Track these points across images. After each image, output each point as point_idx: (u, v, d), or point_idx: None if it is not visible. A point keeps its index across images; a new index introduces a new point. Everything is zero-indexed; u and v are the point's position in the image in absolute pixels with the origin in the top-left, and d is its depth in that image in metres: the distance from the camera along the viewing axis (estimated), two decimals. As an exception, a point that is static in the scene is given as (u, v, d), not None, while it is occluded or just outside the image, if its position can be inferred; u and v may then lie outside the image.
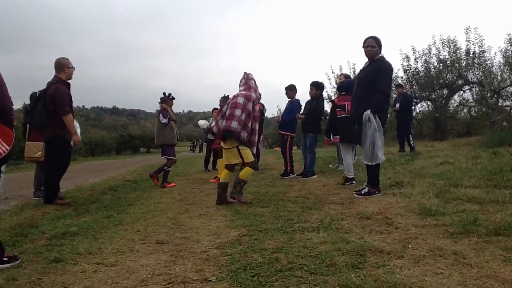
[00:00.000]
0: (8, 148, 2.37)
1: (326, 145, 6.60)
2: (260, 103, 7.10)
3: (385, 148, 4.17)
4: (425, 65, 15.07)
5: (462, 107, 16.08)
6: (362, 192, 4.09)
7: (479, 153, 6.63)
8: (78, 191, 5.86)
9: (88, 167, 12.43)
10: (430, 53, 14.91)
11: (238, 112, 4.12)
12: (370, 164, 4.02)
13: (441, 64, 14.70)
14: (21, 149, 5.48)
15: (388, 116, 5.65)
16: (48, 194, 4.54)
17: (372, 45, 4.03)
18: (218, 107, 7.62)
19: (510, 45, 13.64)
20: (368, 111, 3.90)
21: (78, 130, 4.77)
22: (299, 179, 6.08)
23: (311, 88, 6.31)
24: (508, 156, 5.65)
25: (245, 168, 4.27)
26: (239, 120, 4.09)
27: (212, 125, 7.78)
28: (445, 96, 15.05)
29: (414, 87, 15.46)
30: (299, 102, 6.58)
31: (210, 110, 9.93)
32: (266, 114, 9.02)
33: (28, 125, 4.88)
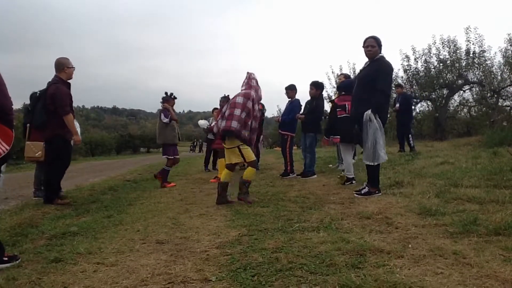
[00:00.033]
0: (8, 148, 2.37)
1: (325, 145, 6.59)
2: (260, 103, 7.10)
3: (385, 148, 4.17)
4: (425, 65, 15.07)
5: (462, 107, 16.08)
6: (362, 192, 4.08)
7: (479, 153, 6.63)
8: (78, 191, 5.86)
9: (88, 167, 12.43)
10: (430, 53, 14.93)
11: (237, 111, 4.12)
12: (372, 164, 4.01)
13: (441, 64, 14.70)
14: (21, 149, 5.48)
15: (388, 116, 5.65)
16: (48, 194, 4.54)
17: (372, 45, 4.03)
18: (218, 107, 7.62)
19: (510, 45, 13.65)
20: (369, 111, 3.90)
21: (78, 130, 4.77)
22: (299, 179, 6.07)
23: (311, 88, 6.31)
24: (508, 156, 5.65)
25: (247, 168, 4.28)
26: (238, 119, 4.09)
27: (212, 124, 7.80)
28: (445, 96, 15.05)
29: (414, 87, 15.46)
30: (299, 102, 6.58)
31: (210, 110, 9.94)
32: (266, 114, 9.03)
33: (28, 125, 4.88)
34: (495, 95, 14.25)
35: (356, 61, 19.81)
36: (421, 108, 16.55)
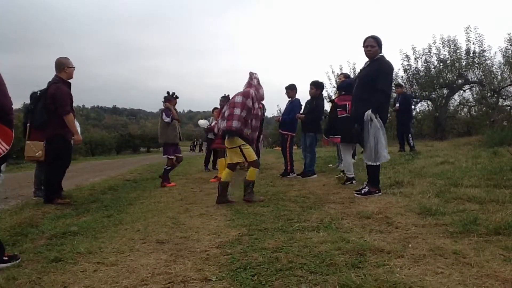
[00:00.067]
0: (7, 147, 2.37)
1: (325, 145, 6.58)
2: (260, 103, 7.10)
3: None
4: (425, 64, 15.08)
5: (462, 106, 16.09)
6: (362, 191, 4.08)
7: (479, 153, 6.63)
8: (78, 190, 5.86)
9: (88, 167, 12.43)
10: (430, 52, 14.93)
11: (237, 111, 4.12)
12: (374, 164, 4.00)
13: (441, 64, 14.70)
14: (21, 148, 5.49)
15: (388, 115, 5.64)
16: (48, 193, 4.55)
17: (372, 45, 4.03)
18: (218, 107, 7.62)
19: (510, 45, 13.66)
20: (369, 111, 3.89)
21: (78, 130, 4.77)
22: (299, 179, 6.07)
23: (311, 88, 6.31)
24: (508, 155, 5.65)
25: (249, 168, 4.29)
26: (239, 118, 4.09)
27: (212, 124, 7.80)
28: (445, 95, 15.06)
29: (414, 86, 15.46)
30: (299, 102, 6.58)
31: (210, 109, 9.94)
32: (266, 114, 9.02)
33: (28, 124, 4.88)
34: (495, 95, 14.25)
35: (356, 60, 19.82)
36: (421, 108, 16.60)
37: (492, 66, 14.23)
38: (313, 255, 2.24)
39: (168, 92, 6.35)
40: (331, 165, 7.42)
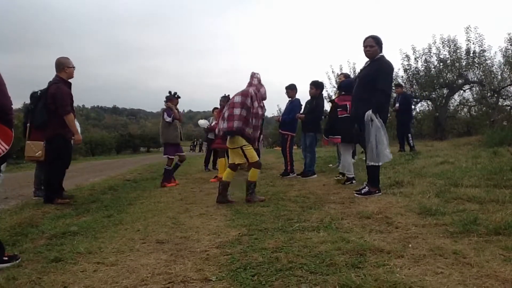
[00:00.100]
0: (7, 147, 2.37)
1: (325, 145, 6.59)
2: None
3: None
4: (425, 64, 15.06)
5: (462, 106, 16.08)
6: (362, 191, 4.08)
7: (479, 153, 6.63)
8: (78, 190, 5.86)
9: (88, 167, 12.44)
10: (430, 52, 14.92)
11: (237, 111, 4.12)
12: (377, 165, 3.99)
13: (441, 64, 14.69)
14: (21, 148, 5.49)
15: (388, 115, 5.64)
16: (48, 193, 4.55)
17: (371, 45, 4.02)
18: (218, 107, 7.62)
19: (510, 45, 13.65)
20: (369, 111, 3.88)
21: (79, 130, 4.77)
22: (299, 179, 6.07)
23: (311, 87, 6.31)
24: (508, 155, 5.65)
25: (251, 170, 4.29)
26: (239, 118, 4.09)
27: (212, 124, 7.81)
28: (445, 95, 15.05)
29: (414, 86, 15.46)
30: (300, 102, 6.58)
31: (210, 109, 9.94)
32: (266, 114, 9.02)
33: (28, 124, 4.88)
34: (495, 95, 14.25)
35: (356, 60, 19.84)
36: (421, 108, 16.59)
37: (492, 66, 14.25)
38: (313, 255, 2.24)
39: (170, 92, 6.35)
40: (331, 165, 7.42)
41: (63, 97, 4.39)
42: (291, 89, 6.57)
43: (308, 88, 6.35)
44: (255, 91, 4.26)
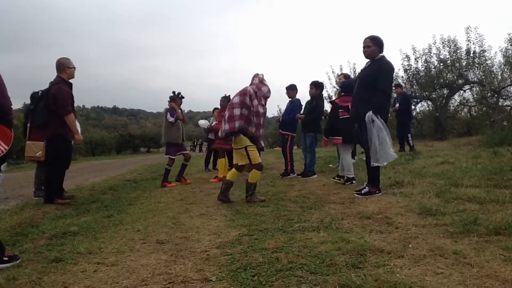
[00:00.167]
0: (7, 147, 2.37)
1: (325, 146, 6.58)
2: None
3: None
4: (426, 64, 15.07)
5: (462, 106, 16.09)
6: (363, 191, 4.08)
7: (479, 153, 6.63)
8: (78, 190, 5.86)
9: (88, 167, 12.44)
10: (431, 52, 14.93)
11: (237, 111, 4.12)
12: (382, 165, 3.97)
13: (441, 64, 14.70)
14: (21, 148, 5.49)
15: (389, 115, 5.64)
16: (49, 193, 4.55)
17: (368, 45, 4.02)
18: (219, 107, 7.62)
19: (511, 45, 13.66)
20: (370, 112, 3.86)
21: (79, 130, 4.78)
22: (300, 179, 6.07)
23: (311, 88, 6.31)
24: (508, 155, 5.65)
25: (252, 171, 4.28)
26: (239, 117, 4.09)
27: (212, 124, 7.80)
28: (445, 95, 15.05)
29: (414, 86, 15.46)
30: (300, 102, 6.58)
31: (211, 109, 9.93)
32: (266, 114, 9.00)
33: (28, 124, 4.88)
34: (496, 95, 14.25)
35: (356, 61, 19.83)
36: (422, 108, 16.60)
37: (492, 66, 14.26)
38: (313, 255, 2.24)
39: (173, 92, 6.36)
40: (331, 165, 7.42)
41: (64, 97, 4.40)
42: (291, 89, 6.57)
43: (308, 88, 6.35)
44: (254, 89, 4.25)
